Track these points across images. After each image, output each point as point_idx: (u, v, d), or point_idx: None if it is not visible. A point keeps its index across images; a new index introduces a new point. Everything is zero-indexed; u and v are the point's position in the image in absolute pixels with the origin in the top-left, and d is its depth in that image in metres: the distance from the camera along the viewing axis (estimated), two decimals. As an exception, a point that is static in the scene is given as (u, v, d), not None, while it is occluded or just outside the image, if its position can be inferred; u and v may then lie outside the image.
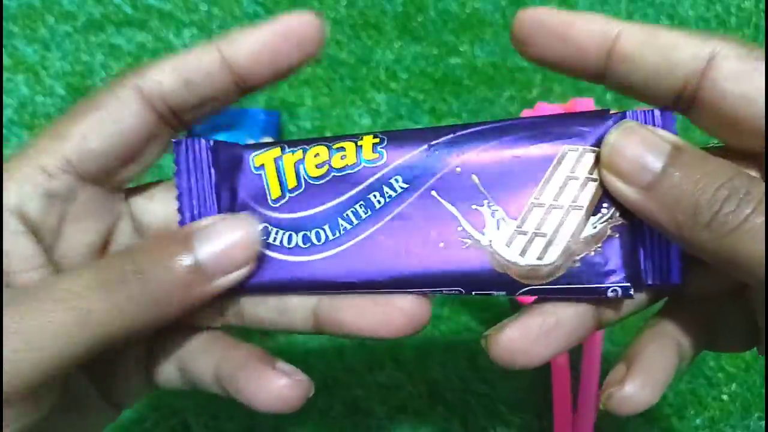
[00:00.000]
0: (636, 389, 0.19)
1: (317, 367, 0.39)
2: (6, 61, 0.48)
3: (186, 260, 0.16)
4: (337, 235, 0.18)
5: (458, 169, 0.17)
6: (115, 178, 0.18)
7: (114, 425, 0.39)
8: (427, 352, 0.39)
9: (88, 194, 0.18)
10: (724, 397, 0.39)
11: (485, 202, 0.17)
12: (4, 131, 0.45)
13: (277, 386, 0.19)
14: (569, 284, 0.17)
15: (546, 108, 0.44)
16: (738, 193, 0.15)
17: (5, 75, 0.47)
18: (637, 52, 0.17)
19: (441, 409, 0.38)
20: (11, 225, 0.17)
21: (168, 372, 0.20)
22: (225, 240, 0.16)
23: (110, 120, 0.17)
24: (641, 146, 0.16)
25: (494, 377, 0.39)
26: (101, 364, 0.17)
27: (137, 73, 0.18)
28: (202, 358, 0.19)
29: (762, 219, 0.14)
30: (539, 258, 0.17)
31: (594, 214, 0.17)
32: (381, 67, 0.48)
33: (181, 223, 0.18)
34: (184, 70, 0.18)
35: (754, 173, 0.17)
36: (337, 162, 0.18)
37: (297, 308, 0.18)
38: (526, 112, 0.45)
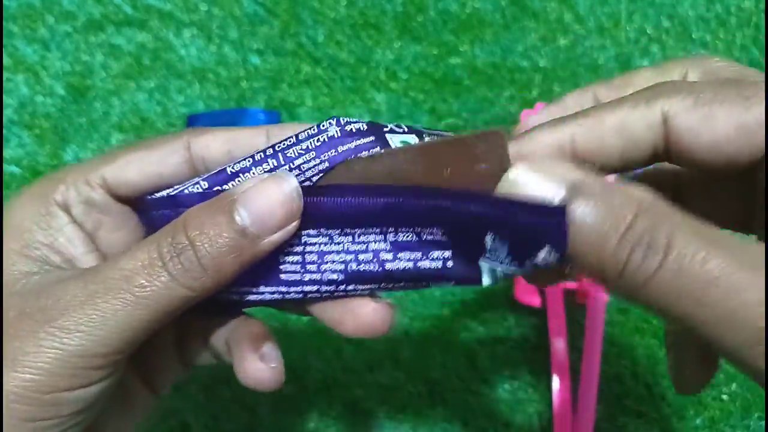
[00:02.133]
0: None
1: (317, 366, 0.39)
2: (6, 60, 0.48)
3: (233, 226, 0.16)
4: None
5: None
6: None
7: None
8: (427, 352, 0.39)
9: (124, 213, 0.20)
10: (724, 397, 0.39)
11: None
12: (4, 131, 0.45)
13: (254, 369, 0.20)
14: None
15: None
16: (642, 243, 0.14)
17: (5, 75, 0.47)
18: (595, 151, 0.17)
19: (441, 409, 0.38)
20: (61, 218, 0.19)
21: (197, 349, 0.21)
22: (266, 200, 0.17)
23: (154, 160, 0.20)
24: (540, 183, 0.15)
25: (494, 377, 0.39)
26: (142, 348, 0.18)
27: (193, 133, 0.21)
28: (219, 332, 0.21)
29: (673, 266, 0.14)
30: None
31: None
32: (381, 67, 0.48)
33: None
34: (232, 143, 0.20)
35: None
36: None
37: None
38: (526, 112, 0.45)
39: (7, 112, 0.45)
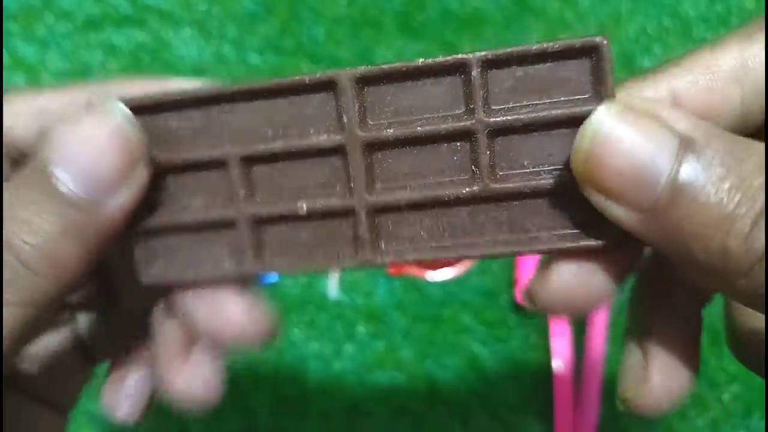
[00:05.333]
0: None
1: (316, 367, 0.39)
2: (5, 60, 0.48)
3: (56, 198, 0.12)
4: None
5: None
6: None
7: (111, 425, 0.39)
8: (427, 352, 0.39)
9: None
10: (725, 397, 0.39)
11: None
12: (3, 131, 0.45)
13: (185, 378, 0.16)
14: None
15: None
16: None
17: (4, 74, 0.47)
18: (709, 105, 0.13)
19: (441, 410, 0.38)
20: None
21: (102, 347, 0.18)
22: (89, 145, 0.12)
23: None
24: (638, 148, 0.11)
25: (495, 378, 0.39)
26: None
27: None
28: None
29: None
30: None
31: None
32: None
33: None
34: (45, 117, 0.14)
35: None
36: None
37: None
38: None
39: (6, 112, 0.45)
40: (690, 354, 0.16)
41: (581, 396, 0.35)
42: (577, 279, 0.13)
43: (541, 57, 0.12)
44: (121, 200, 0.12)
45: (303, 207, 0.13)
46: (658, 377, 0.15)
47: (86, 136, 0.12)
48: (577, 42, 0.12)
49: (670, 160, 0.11)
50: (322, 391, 0.38)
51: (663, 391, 0.15)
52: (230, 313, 0.14)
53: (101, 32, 0.48)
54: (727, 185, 0.10)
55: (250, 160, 0.13)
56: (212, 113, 0.13)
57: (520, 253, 0.13)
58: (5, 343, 0.12)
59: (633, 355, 0.16)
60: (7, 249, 0.12)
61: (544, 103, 0.13)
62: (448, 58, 0.13)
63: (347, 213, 0.13)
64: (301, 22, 0.49)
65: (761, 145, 0.11)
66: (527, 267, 0.39)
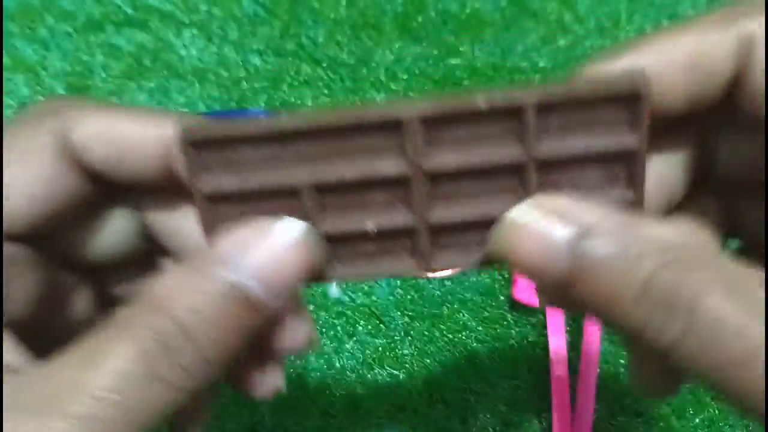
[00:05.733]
0: None
1: (316, 366, 0.39)
2: (6, 61, 0.48)
3: (232, 293, 0.12)
4: None
5: None
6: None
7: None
8: (427, 352, 0.40)
9: (22, 256, 0.14)
10: (724, 396, 0.39)
11: None
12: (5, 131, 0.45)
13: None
14: None
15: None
16: (660, 305, 0.12)
17: (5, 75, 0.47)
18: (663, 87, 0.14)
19: (440, 408, 0.38)
20: None
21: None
22: (269, 253, 0.13)
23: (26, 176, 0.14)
24: (541, 233, 0.13)
25: (494, 376, 0.39)
26: None
27: (63, 116, 0.14)
28: None
29: (701, 331, 0.11)
30: None
31: None
32: (381, 67, 0.48)
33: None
34: (119, 145, 0.14)
35: None
36: None
37: None
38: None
39: (8, 113, 0.45)
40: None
41: (579, 393, 0.35)
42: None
43: (589, 101, 0.14)
44: (281, 301, 0.13)
45: (371, 226, 0.15)
46: (650, 379, 0.17)
47: (268, 242, 0.13)
48: (623, 86, 0.13)
49: (569, 243, 0.13)
50: (323, 389, 0.39)
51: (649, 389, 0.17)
52: (290, 327, 0.15)
53: (102, 33, 0.48)
54: (617, 267, 0.12)
55: (321, 188, 0.14)
56: (287, 145, 0.14)
57: None
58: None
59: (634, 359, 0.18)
60: (184, 334, 0.12)
61: (586, 138, 0.14)
62: (506, 103, 0.14)
63: (409, 230, 0.15)
64: (302, 24, 0.49)
65: (651, 228, 0.13)
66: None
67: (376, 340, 0.39)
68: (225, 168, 0.14)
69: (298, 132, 0.14)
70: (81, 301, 0.17)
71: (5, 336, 0.13)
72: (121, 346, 0.11)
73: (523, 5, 0.51)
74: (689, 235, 0.13)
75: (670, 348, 0.12)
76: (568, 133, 0.14)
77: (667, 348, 0.12)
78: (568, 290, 0.13)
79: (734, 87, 0.13)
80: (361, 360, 0.39)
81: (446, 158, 0.14)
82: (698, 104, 0.14)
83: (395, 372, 0.39)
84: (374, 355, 0.39)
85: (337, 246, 0.15)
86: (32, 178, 0.14)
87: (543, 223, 0.13)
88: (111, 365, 0.11)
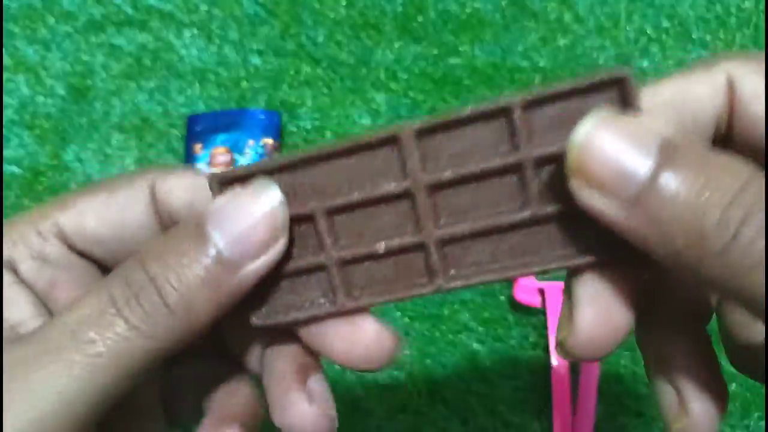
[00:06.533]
0: None
1: (317, 366, 0.39)
2: (6, 61, 0.48)
3: (205, 254, 0.14)
4: None
5: None
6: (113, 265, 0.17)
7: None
8: (427, 352, 0.40)
9: (84, 269, 0.17)
10: (724, 396, 0.39)
11: None
12: (5, 131, 0.45)
13: (299, 411, 0.17)
14: None
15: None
16: (755, 215, 0.11)
17: (6, 75, 0.47)
18: None
19: (441, 408, 0.38)
20: (6, 278, 0.16)
21: (187, 407, 0.19)
22: (245, 217, 0.14)
23: (115, 206, 0.16)
24: (621, 143, 0.12)
25: (494, 377, 0.39)
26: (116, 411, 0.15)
27: (158, 174, 0.17)
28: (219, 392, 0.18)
29: None
30: None
31: None
32: (381, 67, 0.48)
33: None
34: (195, 191, 0.17)
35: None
36: None
37: None
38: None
39: (8, 113, 0.45)
40: (715, 374, 0.16)
41: (579, 394, 0.35)
42: (598, 318, 0.14)
43: (573, 93, 0.14)
44: (257, 266, 0.14)
45: (382, 246, 0.15)
46: (697, 404, 0.16)
47: (244, 210, 0.14)
48: (606, 76, 0.14)
49: (651, 155, 0.12)
50: (323, 390, 0.39)
51: (705, 416, 0.16)
52: (363, 339, 0.16)
53: (103, 33, 0.48)
54: (702, 179, 0.12)
55: (332, 212, 0.15)
56: (297, 175, 0.15)
57: (574, 267, 0.15)
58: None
59: (663, 392, 0.17)
60: (154, 287, 0.13)
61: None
62: (491, 105, 0.14)
63: (419, 247, 0.15)
64: (302, 24, 0.49)
65: (722, 156, 0.12)
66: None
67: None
68: None
69: (308, 161, 0.15)
70: None
71: (19, 293, 0.16)
72: (96, 290, 0.14)
73: (523, 5, 0.51)
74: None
75: (750, 265, 0.11)
76: (561, 128, 0.14)
77: (747, 264, 0.11)
78: (634, 208, 0.12)
79: (728, 124, 0.14)
80: (361, 360, 0.39)
81: (444, 170, 0.15)
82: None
83: (395, 372, 0.39)
84: (374, 356, 0.39)
85: (352, 272, 0.16)
86: (114, 207, 0.17)
87: (625, 137, 0.12)
88: (85, 304, 0.14)
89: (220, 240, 0.14)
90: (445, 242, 0.15)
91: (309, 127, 0.46)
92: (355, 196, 0.15)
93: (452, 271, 0.15)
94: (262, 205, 0.14)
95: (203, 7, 0.49)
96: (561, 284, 0.40)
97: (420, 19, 0.50)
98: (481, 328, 0.40)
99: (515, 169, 0.14)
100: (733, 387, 0.39)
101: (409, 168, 0.14)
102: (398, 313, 0.40)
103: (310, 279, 0.16)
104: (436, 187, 0.15)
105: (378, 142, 0.14)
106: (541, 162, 0.14)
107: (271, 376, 0.17)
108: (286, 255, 0.15)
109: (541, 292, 0.39)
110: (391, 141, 0.14)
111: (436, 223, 0.15)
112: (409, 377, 0.39)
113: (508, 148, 0.14)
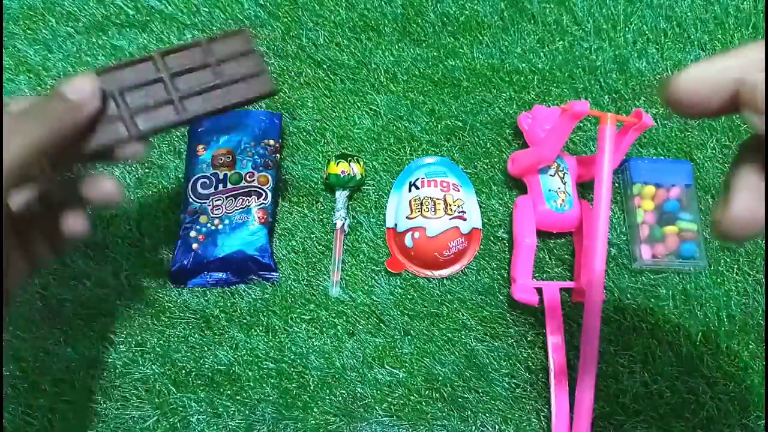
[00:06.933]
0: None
1: (317, 364, 0.39)
2: (7, 61, 0.48)
3: (60, 96, 0.27)
4: None
5: None
6: None
7: (116, 422, 0.39)
8: (426, 350, 0.40)
9: None
10: (723, 396, 0.39)
11: None
12: (7, 132, 0.45)
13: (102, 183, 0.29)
14: None
15: (543, 110, 0.44)
16: None
17: (7, 76, 0.47)
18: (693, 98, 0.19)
19: (439, 405, 0.39)
20: None
21: (43, 251, 0.29)
22: (77, 83, 0.27)
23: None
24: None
25: (493, 374, 0.39)
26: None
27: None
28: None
29: None
30: None
31: None
32: (381, 68, 0.49)
33: None
34: None
35: None
36: None
37: None
38: (524, 114, 0.45)
39: (10, 113, 0.45)
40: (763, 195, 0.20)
41: (577, 392, 0.35)
42: (751, 202, 0.19)
43: (198, 44, 0.30)
44: (86, 106, 0.27)
45: (151, 102, 0.29)
46: (738, 203, 0.19)
47: (80, 81, 0.27)
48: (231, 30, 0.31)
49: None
50: (323, 387, 0.39)
51: (742, 215, 0.19)
52: (106, 186, 0.28)
53: (104, 35, 0.49)
54: None
55: (123, 91, 0.29)
56: (108, 74, 0.29)
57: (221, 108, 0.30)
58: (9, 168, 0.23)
59: (723, 194, 0.20)
60: (45, 106, 0.26)
61: (203, 62, 0.30)
62: (148, 54, 0.29)
63: (169, 102, 0.30)
64: (303, 26, 0.50)
65: None
66: (522, 268, 0.40)
67: (376, 339, 0.40)
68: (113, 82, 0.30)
69: (114, 67, 0.29)
70: None
71: None
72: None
73: (521, 7, 0.52)
74: None
75: None
76: (189, 60, 0.30)
77: None
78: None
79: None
80: (361, 359, 0.39)
81: (173, 69, 0.29)
82: (719, 109, 0.19)
83: (395, 371, 0.39)
84: (374, 354, 0.39)
85: (137, 119, 0.29)
86: None
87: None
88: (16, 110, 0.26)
89: (68, 91, 0.27)
90: (182, 97, 0.29)
91: (309, 128, 0.46)
92: (134, 81, 0.29)
93: (187, 108, 0.30)
94: (90, 79, 0.27)
95: (204, 9, 0.50)
96: (557, 284, 0.41)
97: (419, 21, 0.50)
98: (479, 327, 0.40)
99: (160, 80, 0.29)
100: (731, 386, 0.40)
101: (159, 67, 0.29)
102: (397, 312, 0.40)
103: (115, 124, 0.29)
104: (173, 75, 0.29)
105: (145, 58, 0.29)
106: (175, 75, 0.29)
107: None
108: (102, 114, 0.28)
109: (539, 291, 0.40)
110: (150, 58, 0.29)
111: (174, 88, 0.29)
112: (409, 375, 0.39)
113: (158, 73, 0.29)
